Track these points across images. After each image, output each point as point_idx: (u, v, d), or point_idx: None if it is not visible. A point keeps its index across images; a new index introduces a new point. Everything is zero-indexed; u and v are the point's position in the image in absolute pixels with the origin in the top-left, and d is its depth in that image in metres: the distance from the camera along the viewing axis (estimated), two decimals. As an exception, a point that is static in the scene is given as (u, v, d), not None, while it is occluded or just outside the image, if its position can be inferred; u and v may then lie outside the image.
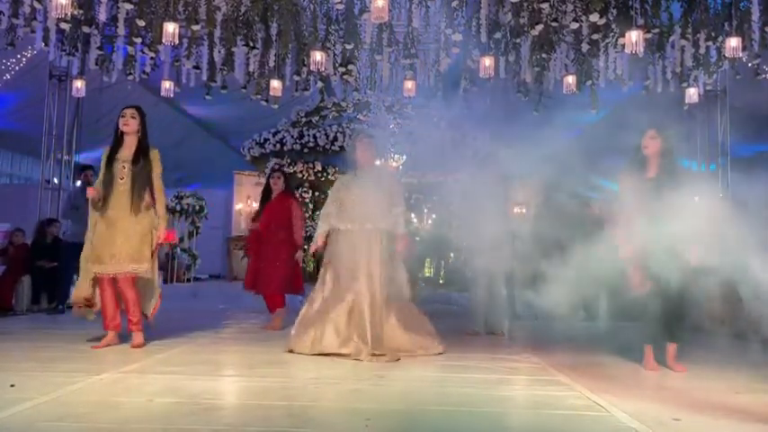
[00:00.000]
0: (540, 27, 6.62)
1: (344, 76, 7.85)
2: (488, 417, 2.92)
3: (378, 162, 5.04)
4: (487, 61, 7.22)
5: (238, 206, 16.97)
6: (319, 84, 8.33)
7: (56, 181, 10.72)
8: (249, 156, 14.03)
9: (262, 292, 6.20)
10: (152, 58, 7.61)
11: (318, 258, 5.23)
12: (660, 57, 7.42)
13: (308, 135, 13.15)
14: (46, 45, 7.21)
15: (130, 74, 7.90)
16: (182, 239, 12.57)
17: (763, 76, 7.69)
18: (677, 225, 3.91)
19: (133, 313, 4.64)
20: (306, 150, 13.18)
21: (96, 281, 4.69)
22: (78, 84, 8.61)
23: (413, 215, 12.66)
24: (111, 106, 11.70)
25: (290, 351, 4.55)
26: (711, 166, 10.53)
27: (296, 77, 8.03)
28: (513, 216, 7.00)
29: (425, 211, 13.04)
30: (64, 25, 6.80)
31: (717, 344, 5.47)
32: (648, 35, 6.68)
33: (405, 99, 10.37)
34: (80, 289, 4.78)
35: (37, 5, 6.62)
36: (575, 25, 6.62)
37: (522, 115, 7.96)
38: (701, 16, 6.78)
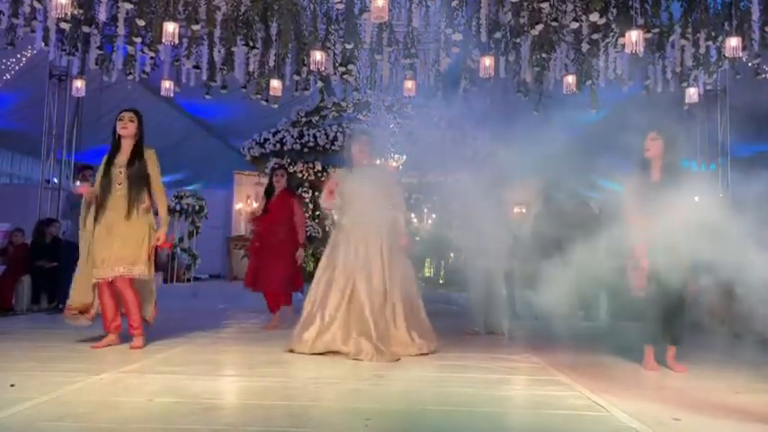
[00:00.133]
0: (540, 27, 6.62)
1: (344, 76, 7.85)
2: (488, 417, 2.92)
3: (375, 161, 5.03)
4: (487, 61, 7.22)
5: (238, 206, 16.97)
6: (319, 83, 8.32)
7: (56, 181, 10.73)
8: (249, 156, 14.04)
9: (263, 291, 6.18)
10: (152, 57, 7.61)
11: (318, 257, 5.24)
12: (660, 56, 7.42)
13: (308, 135, 13.15)
14: (46, 45, 7.21)
15: (130, 73, 7.90)
16: (182, 239, 12.56)
17: (763, 75, 7.69)
18: (679, 228, 3.91)
19: (134, 318, 4.64)
20: (306, 150, 13.19)
21: (95, 286, 4.68)
22: (78, 83, 8.61)
23: (413, 215, 12.66)
24: (111, 106, 11.69)
25: (291, 351, 4.54)
26: (711, 165, 10.52)
27: (296, 77, 8.03)
28: (512, 216, 7.01)
29: (425, 211, 13.04)
30: (64, 25, 6.80)
31: (717, 344, 5.47)
32: (648, 35, 6.68)
33: (405, 99, 10.37)
34: (80, 294, 4.75)
35: (37, 5, 6.62)
36: (575, 25, 6.62)
37: (522, 115, 7.94)
38: (701, 16, 6.78)
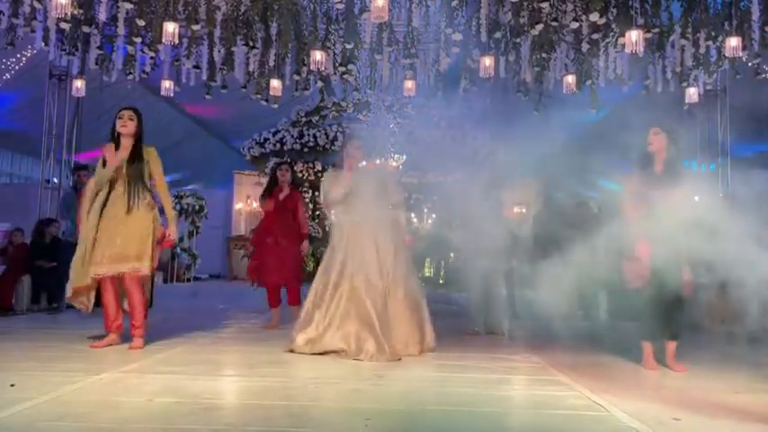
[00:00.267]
0: (540, 27, 6.62)
1: (344, 76, 7.85)
2: (488, 416, 2.92)
3: (368, 162, 5.03)
4: (487, 61, 7.22)
5: (238, 206, 16.99)
6: (319, 83, 8.32)
7: (56, 180, 10.72)
8: (249, 155, 14.06)
9: (270, 281, 6.17)
10: (152, 57, 7.61)
11: (318, 257, 5.26)
12: (660, 56, 7.42)
13: (308, 135, 13.18)
14: (46, 45, 7.21)
15: (130, 73, 7.90)
16: (182, 239, 12.58)
17: (763, 75, 7.70)
18: (680, 223, 3.92)
19: (137, 317, 4.62)
20: (306, 150, 13.21)
21: (96, 282, 4.67)
22: (78, 83, 8.61)
23: (413, 215, 12.67)
24: (111, 106, 11.69)
25: (291, 351, 4.54)
26: (711, 165, 10.53)
27: (296, 77, 8.03)
28: (512, 216, 7.01)
29: (425, 211, 13.05)
30: (64, 25, 6.80)
31: (716, 344, 5.47)
32: (648, 35, 6.68)
33: (405, 99, 10.38)
34: (79, 277, 4.69)
35: (37, 5, 6.62)
36: (575, 25, 6.62)
37: (522, 115, 7.95)
38: (700, 16, 6.78)
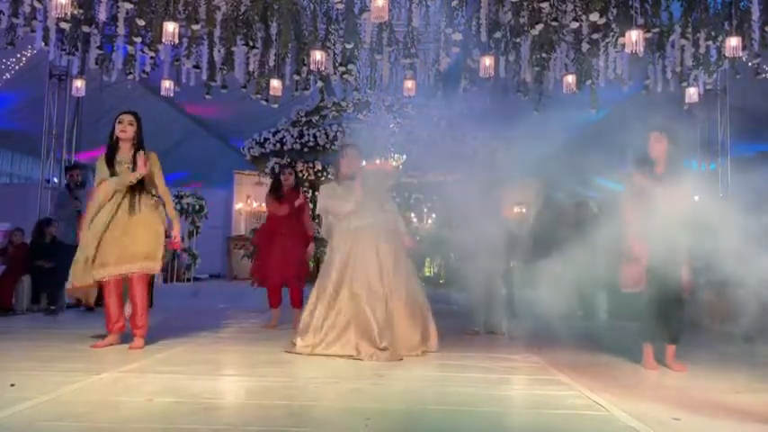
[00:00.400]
0: (540, 26, 6.61)
1: (344, 76, 7.84)
2: (488, 416, 2.92)
3: (367, 162, 5.03)
4: (487, 61, 7.22)
5: (238, 206, 16.98)
6: (319, 83, 8.32)
7: (56, 180, 10.72)
8: (249, 155, 14.05)
9: (274, 282, 6.18)
10: (152, 57, 7.61)
11: (318, 260, 5.27)
12: (660, 56, 7.42)
13: (308, 134, 13.16)
14: (46, 44, 7.21)
15: (130, 73, 7.90)
16: (182, 239, 12.58)
17: (763, 75, 7.69)
18: (679, 225, 3.92)
19: (140, 318, 4.64)
20: (306, 150, 13.20)
21: (98, 283, 4.66)
22: (78, 83, 8.61)
23: (413, 215, 12.67)
24: (111, 106, 11.69)
25: (290, 352, 4.54)
26: (711, 165, 10.53)
27: (296, 77, 8.03)
28: (511, 216, 7.02)
29: (425, 210, 13.05)
30: (64, 25, 6.80)
31: (716, 343, 5.47)
32: (648, 35, 6.67)
33: (405, 99, 10.37)
34: (77, 287, 4.70)
35: (37, 5, 6.62)
36: (575, 25, 6.62)
37: (522, 114, 7.94)
38: (700, 16, 6.78)
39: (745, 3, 6.59)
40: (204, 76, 8.01)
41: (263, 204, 15.51)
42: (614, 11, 6.50)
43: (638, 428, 2.65)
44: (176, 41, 6.79)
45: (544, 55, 7.29)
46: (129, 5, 6.64)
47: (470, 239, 5.84)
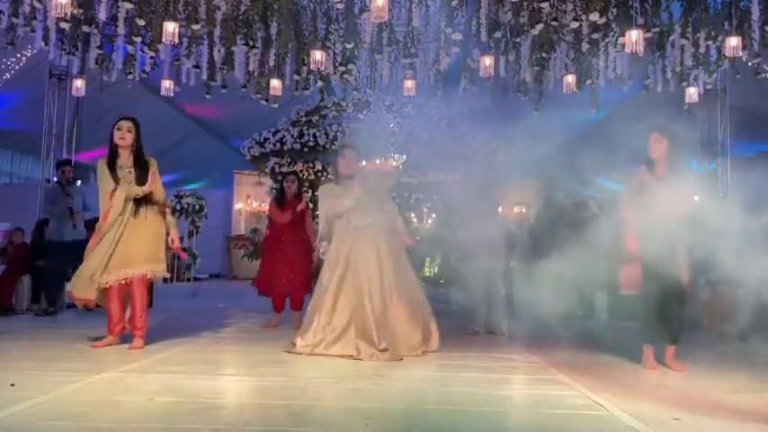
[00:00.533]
0: (540, 26, 6.61)
1: (344, 76, 7.84)
2: (488, 416, 2.92)
3: (367, 162, 5.04)
4: (487, 61, 7.22)
5: (238, 205, 16.99)
6: (319, 83, 8.32)
7: (55, 180, 10.71)
8: (249, 155, 14.05)
9: (278, 292, 6.20)
10: (152, 57, 7.60)
11: (318, 264, 5.28)
12: (660, 56, 7.42)
13: (308, 134, 13.16)
14: (46, 44, 7.20)
15: (130, 73, 7.90)
16: (182, 239, 12.57)
17: (763, 75, 7.69)
18: (678, 223, 3.92)
19: (140, 319, 4.64)
20: (306, 150, 13.20)
21: (107, 288, 4.65)
22: (78, 83, 8.60)
23: (413, 215, 12.66)
24: (112, 105, 11.71)
25: (290, 352, 4.55)
26: (711, 165, 10.53)
27: (296, 77, 8.02)
28: (511, 215, 7.02)
29: (425, 210, 13.04)
30: (64, 24, 6.79)
31: (716, 343, 5.47)
32: (648, 34, 6.67)
33: (405, 98, 10.37)
34: (82, 288, 4.67)
35: (37, 5, 6.61)
36: (575, 24, 6.61)
37: (521, 114, 7.94)
38: (700, 15, 6.77)
39: (745, 3, 6.59)
40: (204, 76, 8.01)
41: (264, 205, 15.58)
42: (614, 11, 6.50)
43: (638, 428, 2.66)
44: (176, 41, 6.78)
45: (544, 55, 7.29)
46: (129, 5, 6.64)
47: (470, 239, 5.84)
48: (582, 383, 3.57)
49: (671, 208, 3.94)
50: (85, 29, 7.23)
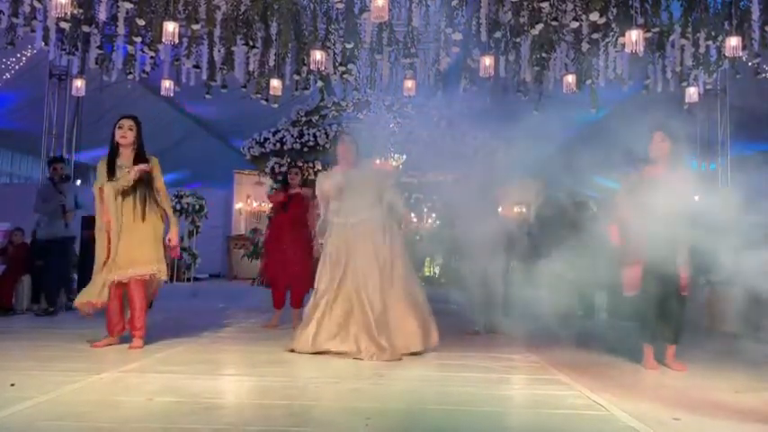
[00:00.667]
0: (540, 26, 6.61)
1: (344, 76, 7.84)
2: (488, 416, 2.92)
3: (362, 160, 5.03)
4: (487, 61, 7.22)
5: (238, 205, 17.00)
6: (319, 83, 8.32)
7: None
8: (249, 155, 14.05)
9: (283, 286, 6.21)
10: (152, 57, 7.60)
11: (316, 257, 5.27)
12: (660, 56, 7.42)
13: (308, 134, 13.17)
14: (46, 44, 7.20)
15: (130, 73, 7.90)
16: (182, 239, 12.57)
17: (764, 75, 7.69)
18: (679, 224, 3.92)
19: (138, 319, 4.64)
20: (306, 150, 13.20)
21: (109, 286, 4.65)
22: (78, 83, 8.61)
23: (413, 215, 12.65)
24: (111, 105, 11.71)
25: (291, 350, 4.55)
26: (711, 165, 10.53)
27: (296, 77, 8.03)
28: (510, 215, 7.01)
29: (425, 210, 13.05)
30: (64, 24, 6.79)
31: (716, 343, 5.47)
32: (648, 34, 6.67)
33: (405, 98, 10.37)
34: (95, 293, 4.65)
35: (37, 5, 6.62)
36: (575, 24, 6.62)
37: (521, 114, 7.94)
38: (700, 15, 6.77)
39: (745, 3, 6.59)
40: (204, 76, 8.01)
41: (264, 204, 15.57)
42: (614, 10, 6.50)
43: (638, 428, 2.65)
44: (176, 41, 6.79)
45: (544, 55, 7.29)
46: (129, 5, 6.64)
47: (470, 239, 5.84)
48: (582, 383, 3.57)
49: (671, 207, 3.94)
50: (85, 29, 7.24)
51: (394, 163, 12.21)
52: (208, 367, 3.97)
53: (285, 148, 13.25)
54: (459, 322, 6.25)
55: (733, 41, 6.55)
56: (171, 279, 12.26)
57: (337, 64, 7.72)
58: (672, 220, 3.93)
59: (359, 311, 4.46)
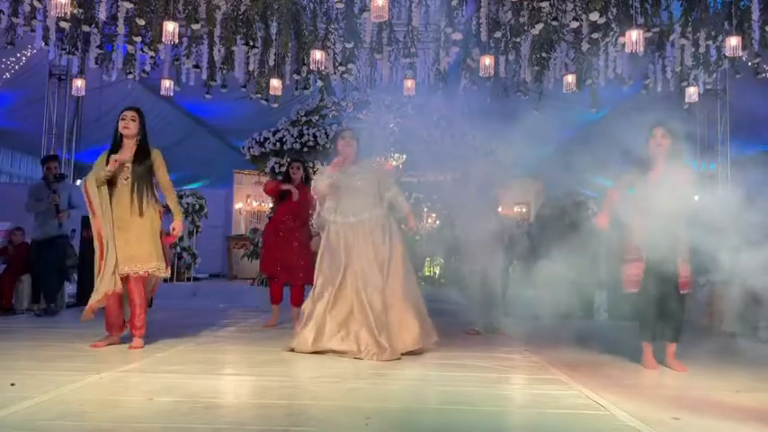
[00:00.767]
0: (540, 26, 6.61)
1: (344, 75, 7.85)
2: (488, 415, 2.92)
3: (362, 156, 5.01)
4: (487, 60, 7.22)
5: (238, 205, 16.99)
6: (319, 83, 8.32)
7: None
8: (249, 155, 14.04)
9: (283, 280, 6.20)
10: (152, 56, 7.61)
11: (315, 250, 5.25)
12: (660, 56, 7.43)
13: (308, 134, 13.16)
14: (46, 44, 7.21)
15: (130, 73, 7.90)
16: (182, 238, 12.57)
17: (763, 75, 7.69)
18: (679, 221, 3.93)
19: (138, 317, 4.62)
20: (306, 149, 13.19)
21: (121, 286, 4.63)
22: (78, 83, 8.61)
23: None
24: (111, 105, 11.69)
25: (291, 350, 4.55)
26: (711, 165, 10.53)
27: (296, 76, 8.03)
28: (510, 215, 7.02)
29: (425, 210, 13.04)
30: (64, 24, 6.80)
31: (716, 343, 5.47)
32: (648, 34, 6.68)
33: (405, 98, 10.36)
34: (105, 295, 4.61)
35: (37, 4, 6.62)
36: (575, 24, 6.62)
37: (521, 114, 7.95)
38: (700, 15, 6.78)
39: (745, 2, 6.59)
40: (204, 76, 8.01)
41: (264, 204, 15.57)
42: (614, 10, 6.50)
43: (638, 428, 2.65)
44: (176, 41, 6.79)
45: (544, 54, 7.29)
46: (128, 5, 6.64)
47: (470, 238, 5.84)
48: (582, 383, 3.57)
49: (670, 203, 3.93)
50: (85, 28, 7.24)
51: (394, 162, 12.20)
52: (208, 367, 3.97)
53: (285, 147, 13.24)
54: (459, 322, 6.26)
55: (733, 41, 6.55)
56: (171, 279, 12.27)
57: (337, 64, 7.72)
58: (672, 217, 3.93)
59: (359, 311, 4.46)
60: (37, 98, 11.19)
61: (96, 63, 7.73)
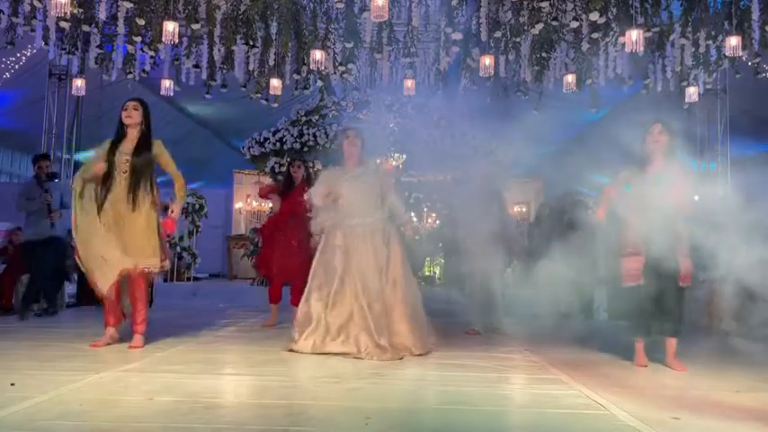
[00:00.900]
0: (540, 26, 6.61)
1: (344, 75, 7.85)
2: (488, 415, 2.92)
3: (367, 158, 5.01)
4: (487, 60, 7.22)
5: (238, 205, 16.99)
6: (319, 82, 8.32)
7: (56, 180, 10.70)
8: (249, 154, 14.04)
9: (281, 280, 6.18)
10: (152, 56, 7.61)
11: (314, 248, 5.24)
12: (660, 55, 7.43)
13: (308, 134, 13.16)
14: (46, 44, 7.21)
15: (130, 72, 7.90)
16: (182, 238, 12.56)
17: (763, 75, 7.69)
18: (677, 220, 3.93)
19: (139, 312, 4.60)
20: (306, 149, 13.19)
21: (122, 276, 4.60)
22: (78, 82, 8.61)
23: (413, 215, 12.66)
24: (111, 105, 11.69)
25: (291, 350, 4.54)
26: (711, 165, 10.53)
27: (296, 76, 8.03)
28: (510, 215, 7.02)
29: (425, 210, 13.05)
30: (64, 24, 6.80)
31: (716, 342, 5.47)
32: (648, 34, 6.68)
33: (405, 98, 10.37)
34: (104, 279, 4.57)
35: (37, 4, 6.62)
36: (575, 24, 6.62)
37: (521, 114, 7.95)
38: (701, 15, 6.78)
39: (745, 2, 6.59)
40: (204, 76, 8.01)
41: (263, 204, 15.57)
42: (614, 10, 6.50)
43: (638, 428, 2.65)
44: (176, 41, 6.79)
45: (544, 54, 7.29)
46: (128, 5, 6.64)
47: (470, 238, 5.84)
48: (582, 383, 3.57)
49: (668, 199, 3.93)
50: (85, 28, 7.24)
51: (394, 162, 12.20)
52: (207, 367, 3.97)
53: (285, 147, 13.24)
54: (458, 322, 6.26)
55: (733, 41, 6.55)
56: (171, 278, 12.27)
57: (337, 64, 7.72)
58: (670, 213, 3.93)
59: (358, 314, 4.45)
60: (37, 98, 11.18)
61: (96, 63, 7.73)
